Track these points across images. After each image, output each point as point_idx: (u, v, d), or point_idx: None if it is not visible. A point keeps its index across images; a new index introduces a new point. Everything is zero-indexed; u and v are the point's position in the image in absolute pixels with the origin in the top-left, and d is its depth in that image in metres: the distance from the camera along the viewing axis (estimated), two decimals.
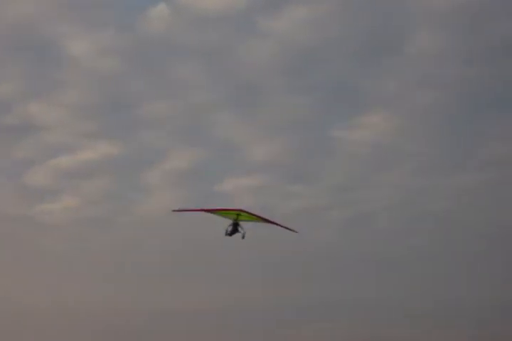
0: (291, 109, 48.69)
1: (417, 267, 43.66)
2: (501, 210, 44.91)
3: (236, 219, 33.95)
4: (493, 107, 46.60)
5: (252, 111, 50.76)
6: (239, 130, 50.71)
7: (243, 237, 33.81)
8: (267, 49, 49.97)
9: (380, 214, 44.11)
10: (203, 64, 52.85)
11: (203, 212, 33.86)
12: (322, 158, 48.06)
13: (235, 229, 33.96)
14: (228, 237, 33.84)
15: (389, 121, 47.09)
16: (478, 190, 46.48)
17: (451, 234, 44.95)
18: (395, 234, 42.63)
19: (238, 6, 50.82)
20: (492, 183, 46.13)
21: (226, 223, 33.36)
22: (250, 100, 50.00)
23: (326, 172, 47.74)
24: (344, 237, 43.86)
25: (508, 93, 46.86)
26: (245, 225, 33.43)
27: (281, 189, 47.34)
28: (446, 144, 46.99)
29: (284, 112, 48.79)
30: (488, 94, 46.30)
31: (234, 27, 51.56)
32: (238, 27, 51.28)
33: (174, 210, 33.42)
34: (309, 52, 48.72)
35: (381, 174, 45.90)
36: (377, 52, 47.25)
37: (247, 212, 33.49)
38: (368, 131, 47.20)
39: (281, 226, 33.50)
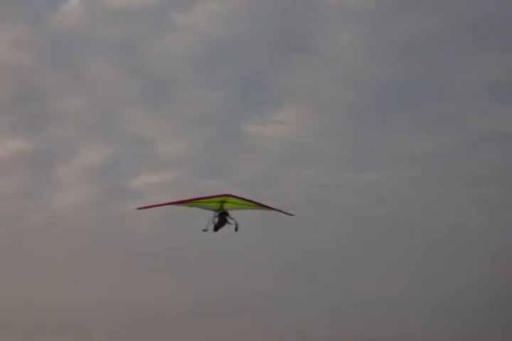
0: (204, 104, 48.28)
1: (325, 264, 42.24)
2: (414, 208, 44.05)
3: (221, 208, 26.62)
4: (406, 105, 46.68)
5: (164, 106, 49.78)
6: (151, 125, 49.68)
7: (236, 229, 26.38)
8: (181, 43, 49.42)
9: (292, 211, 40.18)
10: (115, 59, 50.89)
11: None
12: (234, 153, 47.64)
13: (223, 219, 26.48)
14: (205, 232, 26.55)
15: (301, 118, 47.03)
16: (391, 187, 45.31)
17: (364, 231, 43.76)
18: (305, 231, 41.73)
19: (152, 0, 50.09)
20: (404, 180, 45.24)
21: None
22: (163, 95, 49.37)
23: (238, 168, 47.06)
24: (256, 233, 41.98)
25: (419, 91, 46.87)
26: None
27: (193, 184, 47.00)
28: (359, 141, 46.81)
29: (197, 107, 48.47)
30: (402, 91, 46.64)
31: (147, 21, 50.60)
32: (151, 21, 50.59)
33: (138, 208, 26.18)
34: (223, 47, 48.72)
35: (294, 170, 45.89)
36: (290, 49, 47.23)
37: (235, 197, 26.20)
38: (281, 127, 47.22)
39: (277, 210, 27.03)
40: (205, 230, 26.64)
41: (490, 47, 47.03)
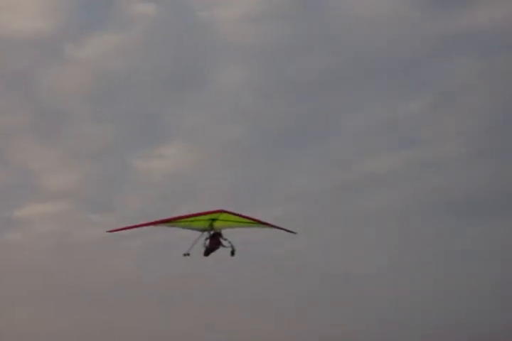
0: (95, 137, 47.76)
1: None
2: (297, 245, 41.23)
3: (212, 227, 21.83)
4: (293, 142, 46.65)
5: (54, 139, 48.81)
6: (40, 157, 48.41)
7: (233, 254, 21.64)
8: (73, 76, 48.47)
9: (176, 244, 39.57)
10: (6, 88, 49.52)
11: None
12: (122, 187, 46.86)
13: (216, 242, 21.64)
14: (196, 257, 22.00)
15: (189, 153, 47.50)
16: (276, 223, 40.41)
17: (242, 265, 39.78)
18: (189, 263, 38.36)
19: (45, 31, 48.05)
20: (290, 217, 42.91)
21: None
22: (53, 127, 48.35)
23: (125, 201, 46.45)
24: (141, 265, 43.34)
25: (308, 129, 46.91)
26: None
27: (80, 217, 46.26)
28: (245, 177, 46.26)
29: (87, 140, 47.72)
30: (290, 129, 46.91)
31: (40, 52, 48.72)
32: (44, 52, 48.83)
33: (109, 231, 21.64)
34: (115, 81, 48.11)
35: (179, 205, 44.44)
36: (182, 84, 47.58)
37: (230, 213, 21.59)
38: (168, 162, 47.26)
39: (278, 227, 22.90)
40: (186, 255, 21.87)
41: (380, 91, 47.27)
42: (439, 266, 42.62)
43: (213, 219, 21.66)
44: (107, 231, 21.57)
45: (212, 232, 21.74)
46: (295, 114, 46.94)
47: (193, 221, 21.60)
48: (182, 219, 21.46)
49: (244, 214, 21.65)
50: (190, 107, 47.31)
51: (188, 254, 21.80)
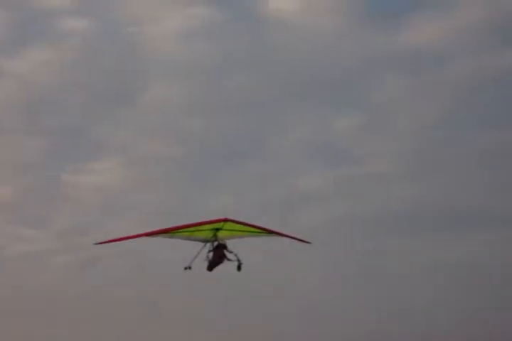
0: (26, 151, 47.69)
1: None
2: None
3: (216, 238, 19.24)
4: (222, 160, 46.49)
5: None
6: None
7: (239, 268, 19.10)
8: (6, 89, 48.39)
9: (107, 260, 43.04)
10: None
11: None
12: (53, 202, 46.35)
13: (220, 255, 19.03)
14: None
15: (120, 169, 47.16)
16: None
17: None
18: (121, 278, 41.78)
19: None
20: None
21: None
22: None
23: (55, 216, 45.87)
24: (70, 281, 42.43)
25: (243, 147, 46.68)
26: None
27: (9, 232, 45.15)
28: (178, 193, 46.18)
29: (19, 153, 47.55)
30: (219, 146, 47.04)
31: None
32: None
33: (97, 243, 18.91)
34: (48, 94, 48.10)
35: (111, 220, 44.65)
36: (113, 100, 47.77)
37: (235, 222, 19.10)
38: (100, 177, 46.95)
39: (290, 236, 20.58)
40: (188, 268, 19.48)
41: (312, 108, 47.06)
42: (369, 281, 41.69)
43: (217, 229, 19.23)
44: (94, 244, 18.85)
45: (216, 243, 19.22)
46: (225, 131, 47.20)
47: (194, 231, 19.13)
48: (182, 229, 18.92)
49: (250, 223, 19.26)
50: (121, 123, 47.51)
51: (190, 268, 19.38)
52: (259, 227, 19.62)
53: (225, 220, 18.88)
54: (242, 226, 19.30)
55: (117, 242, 18.98)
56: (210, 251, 19.19)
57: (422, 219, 43.63)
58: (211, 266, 19.13)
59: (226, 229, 19.30)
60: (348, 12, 46.37)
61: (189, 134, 46.97)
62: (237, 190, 44.90)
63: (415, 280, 41.15)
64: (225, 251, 19.10)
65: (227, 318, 39.54)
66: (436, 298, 39.75)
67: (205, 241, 19.47)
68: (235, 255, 19.11)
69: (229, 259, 19.05)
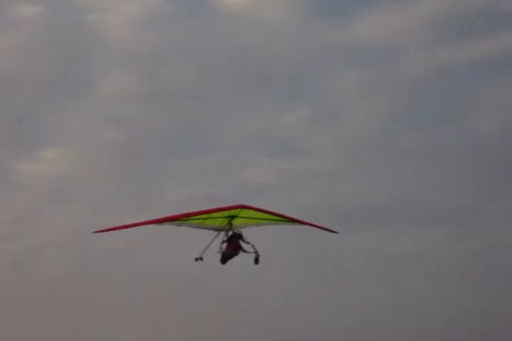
0: None
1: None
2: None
3: (230, 227, 16.73)
4: (172, 151, 45.31)
5: None
6: None
7: (257, 261, 16.61)
8: None
9: (49, 249, 42.41)
10: None
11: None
12: (2, 190, 45.05)
13: (236, 246, 16.49)
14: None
15: (70, 158, 46.18)
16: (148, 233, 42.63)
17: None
18: (65, 268, 41.55)
19: None
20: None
21: None
22: None
23: (5, 205, 44.07)
24: (13, 270, 41.33)
25: (193, 137, 45.65)
26: None
27: None
28: (127, 183, 45.11)
29: None
30: (169, 137, 45.70)
31: None
32: None
33: (96, 231, 16.45)
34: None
35: (58, 209, 43.76)
36: (65, 88, 46.46)
37: (253, 209, 16.70)
38: (49, 165, 45.70)
39: (317, 226, 18.29)
40: (199, 259, 17.02)
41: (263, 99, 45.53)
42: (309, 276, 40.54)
43: (232, 216, 16.77)
44: (93, 232, 16.36)
45: (230, 233, 16.70)
46: (174, 121, 45.67)
47: (206, 218, 16.66)
48: (193, 217, 16.43)
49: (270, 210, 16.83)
50: (71, 111, 46.12)
51: (201, 259, 16.89)
52: (280, 215, 17.21)
53: (242, 207, 16.45)
54: (260, 213, 16.90)
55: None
56: (223, 242, 16.67)
57: (365, 213, 42.93)
58: (225, 259, 16.59)
59: (242, 217, 16.89)
60: (303, 5, 45.03)
61: (139, 123, 46.00)
62: (186, 181, 43.92)
63: (357, 273, 40.61)
64: (241, 242, 16.62)
65: None
66: (376, 293, 38.83)
67: (217, 229, 17.02)
68: (252, 246, 16.61)
69: (245, 251, 16.56)
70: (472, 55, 44.03)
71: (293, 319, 38.15)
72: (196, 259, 16.81)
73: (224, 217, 16.68)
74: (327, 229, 18.34)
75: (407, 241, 41.30)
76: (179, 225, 16.69)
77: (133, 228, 16.52)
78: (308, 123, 45.12)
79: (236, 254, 16.61)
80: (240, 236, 16.66)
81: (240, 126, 45.53)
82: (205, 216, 16.42)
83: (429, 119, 44.62)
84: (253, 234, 17.05)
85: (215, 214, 16.42)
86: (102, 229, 16.10)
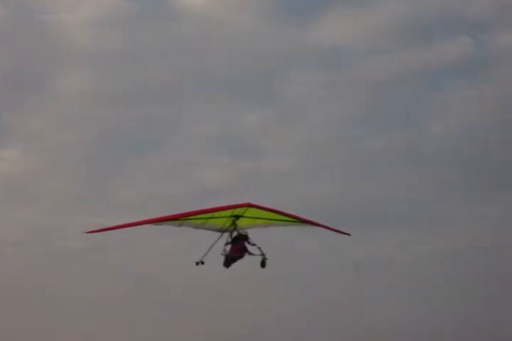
0: None
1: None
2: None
3: (235, 227, 15.34)
4: (130, 151, 44.95)
5: None
6: None
7: (263, 264, 15.24)
8: None
9: (7, 249, 42.02)
10: None
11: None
12: None
13: (241, 248, 15.09)
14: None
15: (26, 157, 45.64)
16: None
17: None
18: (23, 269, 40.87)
19: None
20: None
21: None
22: None
23: None
24: None
25: (150, 138, 45.52)
26: None
27: None
28: (84, 182, 44.79)
29: None
30: (128, 137, 45.42)
31: None
32: None
33: (89, 231, 14.90)
34: None
35: (13, 209, 42.81)
36: (22, 87, 45.80)
37: (259, 208, 15.33)
38: (4, 165, 45.06)
39: (329, 228, 16.98)
40: (200, 263, 15.67)
41: (224, 101, 44.73)
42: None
43: (236, 216, 15.38)
44: (86, 232, 14.78)
45: (234, 234, 15.29)
46: (134, 122, 45.13)
47: (208, 218, 15.25)
48: (195, 216, 15.01)
49: (277, 209, 15.47)
50: (29, 110, 45.56)
51: (202, 263, 15.51)
52: (289, 215, 15.88)
53: (248, 205, 15.07)
54: (268, 213, 15.54)
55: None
56: (227, 244, 15.28)
57: (324, 215, 42.46)
58: (228, 262, 15.22)
59: (247, 217, 15.51)
60: (263, 8, 44.49)
61: (98, 123, 45.22)
62: (143, 181, 43.24)
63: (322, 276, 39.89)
64: (246, 244, 15.23)
65: None
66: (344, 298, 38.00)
67: (221, 230, 15.67)
68: (259, 248, 15.27)
69: (251, 253, 15.20)
70: (432, 58, 43.86)
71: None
72: (197, 263, 15.48)
73: (228, 217, 15.32)
74: (340, 231, 17.10)
75: (368, 242, 41.21)
76: (180, 225, 15.29)
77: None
78: (268, 125, 44.54)
79: (241, 257, 15.24)
80: (245, 238, 15.31)
81: (199, 126, 44.78)
82: (208, 215, 15.02)
83: (391, 121, 44.10)
84: (259, 235, 15.80)
85: (218, 214, 15.04)
86: (93, 229, 14.54)
